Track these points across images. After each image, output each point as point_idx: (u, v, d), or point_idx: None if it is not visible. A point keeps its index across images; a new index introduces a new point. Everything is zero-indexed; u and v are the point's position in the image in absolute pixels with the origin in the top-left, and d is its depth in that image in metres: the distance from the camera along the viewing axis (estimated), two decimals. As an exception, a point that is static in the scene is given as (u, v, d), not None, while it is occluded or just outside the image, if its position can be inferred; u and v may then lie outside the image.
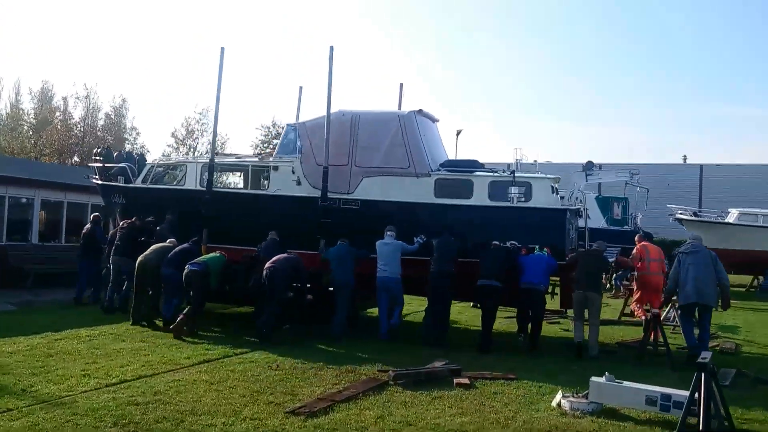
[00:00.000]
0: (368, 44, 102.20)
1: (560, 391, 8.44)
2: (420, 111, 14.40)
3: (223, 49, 14.85)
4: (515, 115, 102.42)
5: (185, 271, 12.19)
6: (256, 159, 15.84)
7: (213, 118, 15.43)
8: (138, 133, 52.33)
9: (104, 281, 15.72)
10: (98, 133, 48.70)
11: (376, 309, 13.41)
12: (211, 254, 12.96)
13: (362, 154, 13.86)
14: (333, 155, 13.56)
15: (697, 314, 11.94)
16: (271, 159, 14.83)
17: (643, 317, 13.37)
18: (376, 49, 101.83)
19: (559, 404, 8.16)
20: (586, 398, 8.07)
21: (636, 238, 15.63)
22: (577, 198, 14.58)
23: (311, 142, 14.06)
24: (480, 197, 13.35)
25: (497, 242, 12.64)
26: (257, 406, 7.59)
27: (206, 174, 14.41)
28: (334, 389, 8.55)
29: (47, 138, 45.02)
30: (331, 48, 14.17)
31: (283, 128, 51.04)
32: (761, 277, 28.10)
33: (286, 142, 14.70)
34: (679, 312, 12.00)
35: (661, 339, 11.55)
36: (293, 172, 13.97)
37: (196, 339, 11.75)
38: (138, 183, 15.66)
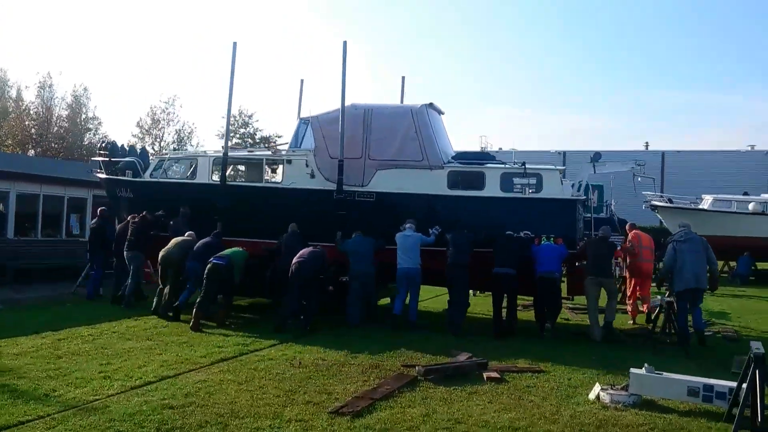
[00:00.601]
0: (310, 34, 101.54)
1: (597, 384, 8.34)
2: (431, 104, 14.54)
3: (235, 44, 14.86)
4: (475, 104, 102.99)
5: (209, 264, 12.28)
6: (269, 153, 15.76)
7: (226, 113, 15.60)
8: (100, 123, 50.76)
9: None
10: (59, 123, 47.18)
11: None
12: (233, 248, 12.96)
13: (375, 147, 13.96)
14: (346, 149, 13.65)
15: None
16: (283, 153, 14.87)
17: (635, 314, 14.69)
18: (318, 38, 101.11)
19: (597, 397, 8.06)
20: (626, 390, 7.99)
21: (627, 227, 15.99)
22: (582, 188, 14.62)
23: (324, 136, 14.15)
24: (492, 188, 13.60)
25: (511, 232, 13.05)
26: (297, 407, 7.32)
27: (219, 168, 14.53)
28: (366, 386, 8.34)
29: (8, 129, 43.54)
30: (344, 43, 14.28)
31: (249, 116, 51.08)
32: (732, 263, 28.65)
33: (298, 136, 14.72)
34: (676, 298, 12.10)
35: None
36: (306, 166, 14.13)
37: (203, 334, 11.47)
38: (146, 177, 15.56)
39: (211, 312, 12.49)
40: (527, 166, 13.67)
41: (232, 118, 53.33)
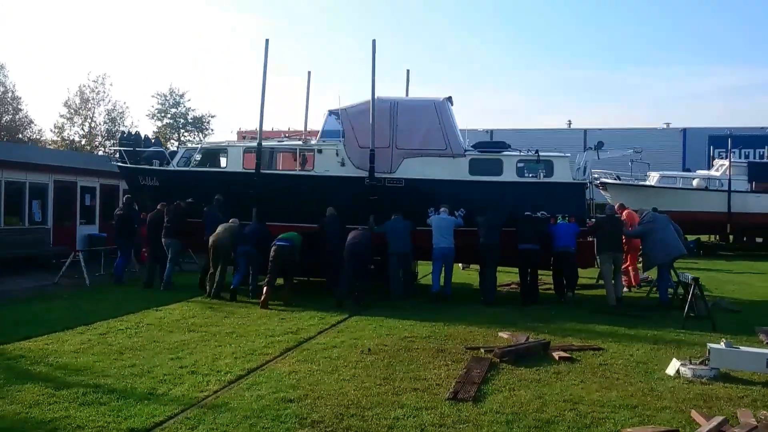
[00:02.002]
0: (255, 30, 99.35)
1: (674, 359, 8.68)
2: (449, 98, 15.75)
3: (267, 40, 15.72)
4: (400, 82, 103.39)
5: (276, 247, 13.45)
6: (301, 143, 16.24)
7: (259, 106, 16.07)
8: (20, 102, 48.05)
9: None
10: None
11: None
12: (290, 232, 14.05)
13: (402, 137, 15.18)
14: (375, 138, 14.73)
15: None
16: (314, 142, 15.72)
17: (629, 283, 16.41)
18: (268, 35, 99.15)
19: (678, 372, 8.40)
20: (704, 365, 8.36)
21: (617, 206, 16.78)
22: (585, 172, 15.88)
23: (353, 127, 15.24)
24: (509, 174, 15.10)
25: (528, 213, 14.65)
26: (408, 395, 7.31)
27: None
28: (453, 371, 8.39)
29: None
30: (374, 41, 15.26)
31: (181, 96, 49.64)
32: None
33: (328, 127, 15.72)
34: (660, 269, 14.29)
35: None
36: (337, 155, 15.18)
37: (245, 324, 11.24)
38: (174, 166, 16.24)
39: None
40: (540, 153, 15.27)
41: (162, 98, 52.52)
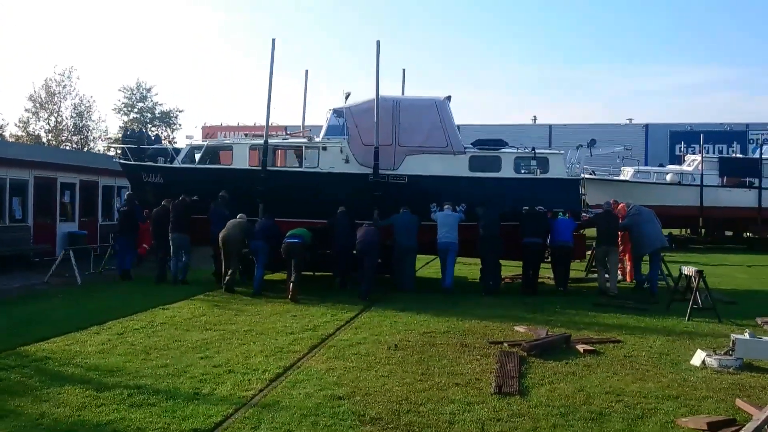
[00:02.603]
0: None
1: (698, 350, 8.87)
2: (449, 97, 16.32)
3: (274, 40, 16.15)
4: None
5: (286, 243, 13.70)
6: (306, 140, 16.68)
7: (266, 105, 16.30)
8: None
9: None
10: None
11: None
12: (299, 228, 14.25)
13: (404, 135, 15.64)
14: (376, 135, 15.18)
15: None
16: (318, 140, 16.05)
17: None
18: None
19: (703, 362, 8.59)
20: (729, 355, 8.57)
21: (612, 202, 17.16)
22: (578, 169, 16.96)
23: (357, 125, 15.67)
24: (507, 170, 15.74)
25: (526, 207, 15.06)
26: (452, 390, 7.34)
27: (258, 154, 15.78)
28: (485, 365, 8.46)
29: None
30: (378, 42, 15.85)
31: (148, 90, 48.85)
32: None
33: (332, 125, 16.11)
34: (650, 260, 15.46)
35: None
36: (341, 152, 15.56)
37: (261, 320, 11.16)
38: (178, 163, 16.51)
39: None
40: (536, 151, 16.07)
41: (128, 92, 51.59)
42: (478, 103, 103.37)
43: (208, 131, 63.11)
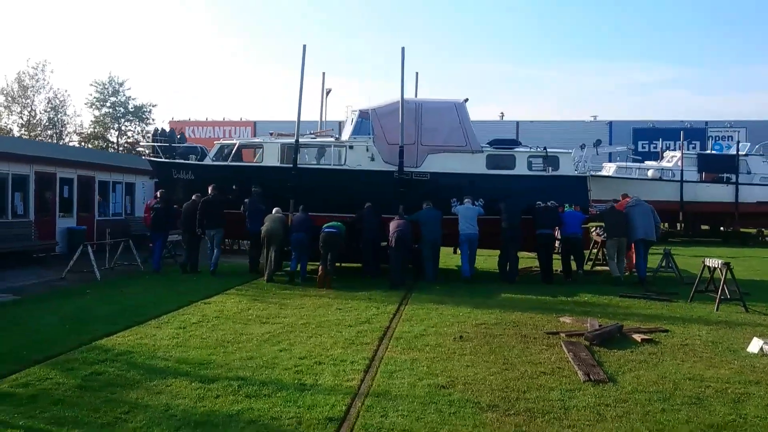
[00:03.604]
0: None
1: (754, 338, 9.32)
2: (466, 100, 17.40)
3: (305, 46, 16.94)
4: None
5: (324, 234, 14.73)
6: (333, 140, 17.80)
7: (297, 105, 17.26)
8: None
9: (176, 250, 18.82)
10: None
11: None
12: (334, 222, 15.25)
13: (426, 135, 16.75)
14: (400, 135, 16.25)
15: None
16: (345, 139, 17.23)
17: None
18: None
19: (761, 350, 9.04)
20: (784, 342, 9.04)
21: (621, 196, 17.86)
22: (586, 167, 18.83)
23: (382, 126, 16.74)
24: (521, 168, 16.98)
25: (540, 202, 16.16)
26: (544, 378, 7.60)
27: (288, 152, 16.80)
28: (555, 354, 8.75)
29: None
30: (402, 49, 16.76)
31: (120, 84, 47.93)
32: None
33: (358, 125, 17.12)
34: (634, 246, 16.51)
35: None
36: (367, 150, 16.67)
37: (308, 311, 11.29)
38: (209, 161, 17.61)
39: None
40: (548, 150, 17.27)
41: (100, 86, 50.58)
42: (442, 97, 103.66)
43: (176, 126, 62.35)
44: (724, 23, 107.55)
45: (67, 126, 46.45)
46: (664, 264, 16.88)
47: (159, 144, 18.08)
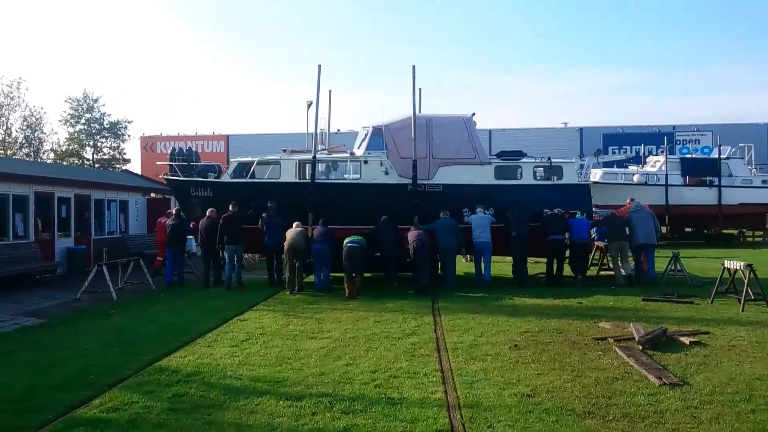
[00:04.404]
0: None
1: (799, 338, 9.61)
2: (473, 114, 18.33)
3: (320, 66, 17.95)
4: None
5: (348, 248, 15.27)
6: (347, 155, 18.55)
7: (314, 125, 18.48)
8: None
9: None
10: None
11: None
12: (354, 235, 15.76)
13: (437, 148, 17.58)
14: (413, 150, 17.04)
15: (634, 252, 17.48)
16: (359, 154, 17.94)
17: None
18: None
19: (807, 348, 9.32)
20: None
21: (628, 201, 18.26)
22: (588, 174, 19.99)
23: (394, 141, 17.60)
24: (527, 178, 17.95)
25: (547, 210, 17.03)
26: (620, 383, 7.73)
27: (305, 169, 17.61)
28: (614, 359, 8.90)
29: None
30: (414, 67, 17.73)
31: (95, 100, 47.15)
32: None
33: (372, 141, 17.94)
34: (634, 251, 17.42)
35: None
36: (381, 165, 17.45)
37: (343, 323, 11.32)
38: (227, 178, 18.35)
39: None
40: (552, 160, 18.18)
41: (75, 102, 49.83)
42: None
43: (147, 141, 61.66)
44: (682, 27, 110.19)
45: (44, 144, 45.67)
46: (672, 267, 17.18)
47: (177, 163, 18.85)
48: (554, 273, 17.03)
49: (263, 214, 16.73)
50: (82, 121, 47.81)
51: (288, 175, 17.76)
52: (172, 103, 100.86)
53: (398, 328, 11.18)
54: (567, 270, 17.84)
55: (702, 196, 31.30)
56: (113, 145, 48.05)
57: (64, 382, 7.92)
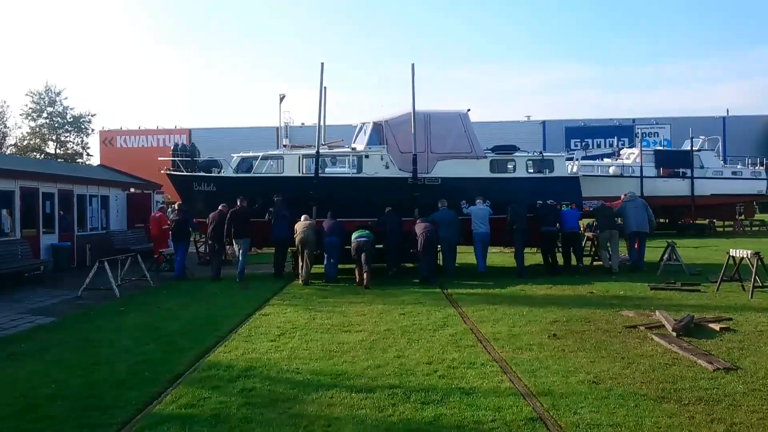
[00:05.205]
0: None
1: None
2: (468, 110, 19.11)
3: (323, 64, 18.68)
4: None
5: (359, 241, 15.88)
6: (349, 150, 19.12)
7: (317, 121, 18.90)
8: None
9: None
10: None
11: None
12: (361, 229, 16.37)
13: (435, 143, 18.28)
14: (413, 145, 17.68)
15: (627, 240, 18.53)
16: (361, 149, 18.51)
17: None
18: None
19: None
20: None
21: (623, 196, 18.71)
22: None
23: (394, 136, 18.25)
24: (521, 171, 18.81)
25: (539, 201, 17.81)
26: (674, 369, 7.92)
27: (309, 163, 18.22)
28: (653, 346, 9.11)
29: None
30: (413, 65, 18.33)
31: (57, 93, 46.01)
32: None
33: (372, 136, 18.60)
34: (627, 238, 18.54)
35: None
36: (382, 159, 18.14)
37: (370, 317, 11.30)
38: (229, 173, 18.91)
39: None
40: (543, 154, 19.50)
41: (36, 96, 48.48)
42: (363, 101, 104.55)
43: (106, 135, 60.37)
44: (632, 24, 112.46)
45: (8, 138, 44.30)
46: (668, 256, 17.57)
47: (180, 158, 19.13)
48: (551, 262, 17.88)
49: (270, 208, 17.35)
50: (44, 114, 46.57)
51: (291, 169, 18.29)
52: (132, 97, 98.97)
53: (427, 320, 11.21)
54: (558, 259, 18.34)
55: (675, 187, 32.05)
56: (77, 139, 46.77)
57: (121, 380, 7.75)
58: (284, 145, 19.89)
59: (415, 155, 17.72)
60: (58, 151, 47.41)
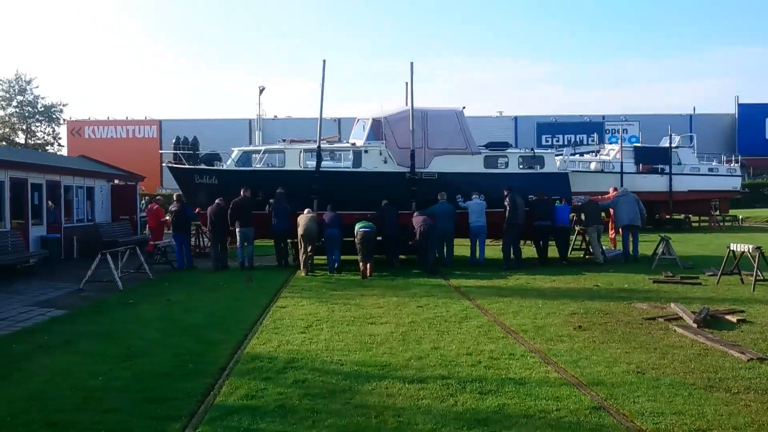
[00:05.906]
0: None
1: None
2: (464, 108, 19.74)
3: (324, 61, 18.99)
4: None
5: (362, 233, 16.30)
6: (349, 145, 19.57)
7: (318, 117, 19.34)
8: None
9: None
10: None
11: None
12: (364, 221, 16.82)
13: (432, 139, 18.86)
14: (411, 140, 18.29)
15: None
16: (359, 144, 19.02)
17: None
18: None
19: None
20: None
21: (611, 189, 19.19)
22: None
23: (393, 132, 18.75)
24: (513, 167, 19.62)
25: (533, 196, 18.51)
26: (709, 359, 8.12)
27: (308, 157, 18.97)
28: (678, 338, 9.33)
29: None
30: (412, 64, 19.14)
31: (28, 82, 44.95)
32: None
33: (372, 132, 19.06)
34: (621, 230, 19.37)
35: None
36: (380, 154, 18.68)
37: (380, 308, 11.34)
38: (230, 166, 19.29)
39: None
40: (534, 150, 20.57)
41: (6, 84, 47.39)
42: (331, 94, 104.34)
43: (74, 126, 59.28)
44: (592, 22, 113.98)
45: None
46: (661, 250, 17.94)
47: (182, 152, 19.49)
48: (546, 254, 18.55)
49: (270, 200, 17.86)
50: (14, 103, 45.53)
51: (292, 163, 18.87)
52: (101, 87, 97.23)
53: (446, 312, 11.29)
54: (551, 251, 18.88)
55: (654, 183, 32.62)
56: (47, 129, 45.80)
57: (166, 372, 7.69)
58: (283, 140, 20.01)
59: (412, 151, 18.27)
60: (28, 141, 46.34)
